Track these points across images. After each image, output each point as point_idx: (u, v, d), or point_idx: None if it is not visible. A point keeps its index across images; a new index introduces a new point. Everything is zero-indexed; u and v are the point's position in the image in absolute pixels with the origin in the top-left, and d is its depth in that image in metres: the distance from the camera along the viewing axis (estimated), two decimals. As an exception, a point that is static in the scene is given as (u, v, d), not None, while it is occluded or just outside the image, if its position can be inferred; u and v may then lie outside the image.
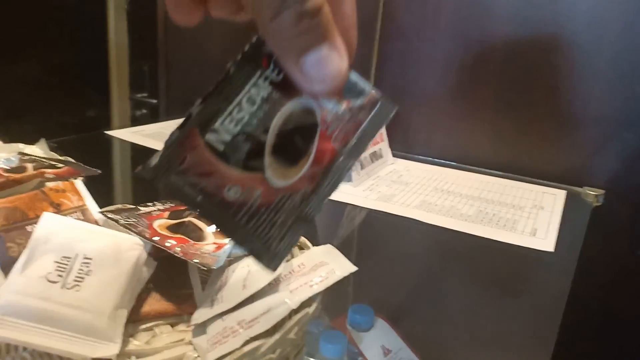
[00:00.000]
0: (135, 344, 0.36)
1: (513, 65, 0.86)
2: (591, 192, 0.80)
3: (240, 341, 0.32)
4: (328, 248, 0.40)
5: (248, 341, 0.32)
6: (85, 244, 0.38)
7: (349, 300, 0.55)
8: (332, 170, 0.25)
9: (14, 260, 0.36)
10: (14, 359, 0.33)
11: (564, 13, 0.80)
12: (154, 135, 0.95)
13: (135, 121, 1.27)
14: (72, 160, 0.54)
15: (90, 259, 0.37)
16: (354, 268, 0.37)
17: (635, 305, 0.82)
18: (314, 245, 0.41)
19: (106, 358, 0.33)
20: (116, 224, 0.42)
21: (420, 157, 0.93)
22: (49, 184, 0.45)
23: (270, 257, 0.24)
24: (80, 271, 0.36)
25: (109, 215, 0.43)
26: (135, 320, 0.38)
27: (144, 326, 0.38)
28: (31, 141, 0.60)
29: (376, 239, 0.73)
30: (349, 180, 0.77)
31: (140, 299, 0.39)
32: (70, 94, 1.16)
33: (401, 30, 0.93)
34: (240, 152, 0.23)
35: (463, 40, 0.89)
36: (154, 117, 1.28)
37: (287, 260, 0.40)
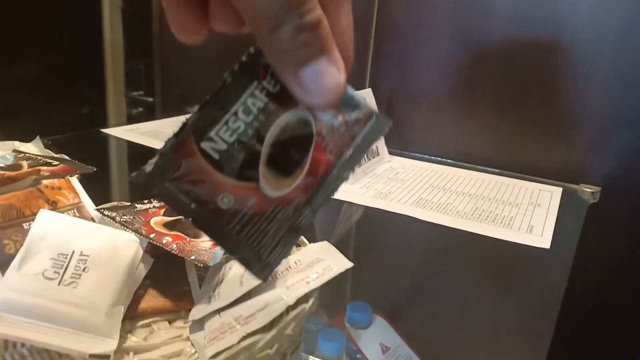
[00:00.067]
0: (133, 340, 0.36)
1: (511, 64, 0.86)
2: (588, 190, 0.80)
3: (237, 337, 0.32)
4: (324, 245, 0.40)
5: (245, 337, 0.32)
6: (81, 241, 0.38)
7: (347, 298, 0.56)
8: (326, 182, 0.26)
9: (10, 257, 0.36)
10: (13, 356, 0.33)
11: (563, 12, 0.80)
12: (149, 133, 0.95)
13: (131, 119, 1.27)
14: (67, 158, 0.54)
15: (86, 256, 0.37)
16: (350, 264, 0.37)
17: (631, 303, 0.82)
18: (310, 242, 0.41)
19: (104, 354, 0.33)
20: (112, 221, 0.42)
21: (416, 154, 0.94)
22: (45, 182, 0.45)
23: (262, 266, 0.25)
24: (77, 268, 0.36)
25: (106, 213, 0.43)
26: (132, 317, 0.38)
27: (141, 323, 0.38)
28: (27, 139, 0.60)
29: (373, 237, 0.73)
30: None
31: (138, 295, 0.39)
32: (65, 93, 1.16)
33: (397, 28, 0.93)
34: (235, 161, 0.23)
35: (460, 38, 0.89)
36: (149, 115, 1.27)
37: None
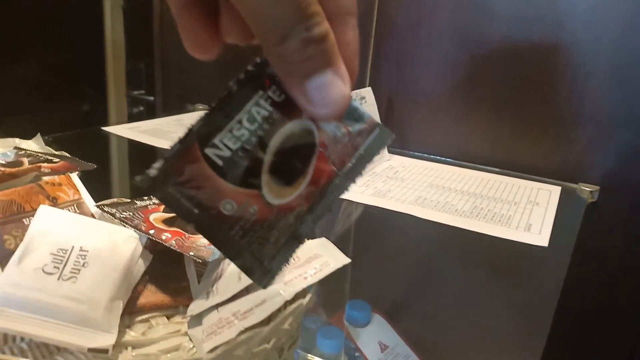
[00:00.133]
0: (131, 334, 0.36)
1: (510, 64, 0.86)
2: (586, 189, 0.80)
3: (235, 332, 0.33)
4: (322, 241, 0.40)
5: (243, 332, 0.32)
6: (81, 236, 0.38)
7: (346, 297, 0.56)
8: (328, 192, 0.26)
9: (10, 252, 0.37)
10: (12, 350, 0.33)
11: (562, 12, 0.80)
12: (149, 131, 0.95)
13: (132, 118, 1.27)
14: (68, 155, 0.55)
15: (86, 251, 0.37)
16: (347, 260, 0.37)
17: (629, 301, 0.83)
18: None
19: (102, 348, 0.33)
20: (112, 217, 0.42)
21: (416, 153, 0.94)
22: (45, 178, 0.45)
23: (263, 273, 0.25)
24: (77, 263, 0.36)
25: (105, 209, 0.43)
26: (131, 312, 0.38)
27: (140, 318, 0.38)
28: (28, 137, 0.60)
29: (372, 235, 0.73)
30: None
31: (137, 291, 0.40)
32: (66, 91, 1.16)
33: (397, 28, 0.94)
34: (238, 168, 0.23)
35: (460, 38, 0.89)
36: (150, 114, 1.28)
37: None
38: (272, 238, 0.25)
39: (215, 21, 0.25)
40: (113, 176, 0.87)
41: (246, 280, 0.36)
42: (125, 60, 1.26)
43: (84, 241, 0.38)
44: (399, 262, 0.67)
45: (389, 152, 0.90)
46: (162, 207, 0.46)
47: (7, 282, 0.34)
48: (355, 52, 0.24)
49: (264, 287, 0.25)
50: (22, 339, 0.34)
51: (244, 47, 0.26)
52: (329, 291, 0.57)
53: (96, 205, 0.44)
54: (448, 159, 0.92)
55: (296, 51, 0.21)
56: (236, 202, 0.24)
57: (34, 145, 0.58)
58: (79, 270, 0.36)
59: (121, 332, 0.36)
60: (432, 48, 0.92)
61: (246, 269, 0.25)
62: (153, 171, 0.22)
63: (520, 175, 0.85)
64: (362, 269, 0.62)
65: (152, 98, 1.29)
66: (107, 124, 0.99)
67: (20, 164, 0.49)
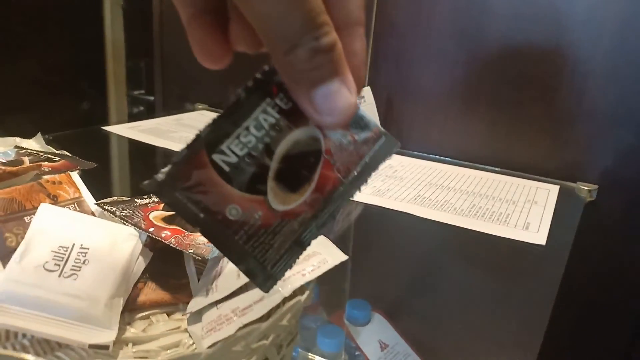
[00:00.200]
0: (131, 331, 0.37)
1: (508, 63, 0.87)
2: (584, 188, 0.80)
3: (234, 328, 0.33)
4: (320, 239, 0.40)
5: (241, 328, 0.33)
6: (81, 234, 0.39)
7: (346, 296, 0.56)
8: (333, 199, 0.26)
9: (12, 250, 0.37)
10: (14, 346, 0.34)
11: (560, 12, 0.81)
12: (149, 131, 0.95)
13: (132, 118, 1.27)
14: (68, 154, 0.55)
15: (86, 249, 0.38)
16: (345, 257, 0.37)
17: (626, 299, 0.83)
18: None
19: (103, 344, 0.33)
20: (112, 215, 0.43)
21: (415, 152, 0.94)
22: (46, 176, 0.46)
23: (265, 278, 0.25)
24: (77, 261, 0.37)
25: (106, 207, 0.43)
26: (131, 309, 0.39)
27: (140, 315, 0.39)
28: (28, 137, 0.60)
29: (372, 234, 0.74)
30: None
31: (137, 288, 0.40)
32: (67, 91, 1.16)
33: (395, 27, 0.94)
34: (244, 174, 0.24)
35: (458, 37, 0.89)
36: (150, 114, 1.28)
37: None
38: (276, 243, 0.25)
39: (225, 30, 0.26)
40: (113, 175, 0.88)
41: (245, 278, 0.37)
42: (125, 60, 1.27)
43: (84, 239, 0.38)
44: (398, 261, 0.67)
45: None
46: (162, 205, 0.46)
47: (9, 279, 0.35)
48: (363, 61, 0.25)
49: (266, 291, 0.26)
50: (24, 336, 0.34)
51: (253, 55, 0.26)
52: (329, 290, 0.57)
53: (96, 204, 0.45)
54: (447, 158, 0.92)
55: (304, 60, 0.22)
56: (241, 207, 0.24)
57: (34, 144, 0.58)
58: (79, 267, 0.36)
59: (121, 329, 0.36)
60: (431, 47, 0.92)
61: (249, 273, 0.25)
62: (161, 176, 0.23)
63: (519, 174, 0.85)
64: (362, 268, 0.63)
65: (152, 98, 1.30)
66: (107, 124, 0.99)
67: (21, 162, 0.49)
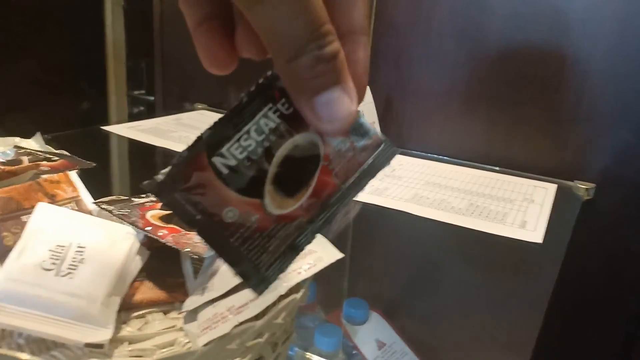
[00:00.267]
0: (128, 330, 0.37)
1: (507, 62, 0.87)
2: (582, 186, 0.81)
3: (229, 326, 0.33)
4: (317, 236, 0.40)
5: (237, 326, 0.33)
6: (79, 233, 0.39)
7: (343, 295, 0.56)
8: (330, 204, 0.26)
9: (9, 249, 0.37)
10: (9, 345, 0.34)
11: (558, 11, 0.81)
12: (149, 131, 0.96)
13: (133, 118, 1.28)
14: (67, 154, 0.55)
15: (84, 248, 0.38)
16: (340, 255, 0.37)
17: (620, 298, 0.83)
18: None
19: (99, 343, 0.33)
20: (110, 214, 0.43)
21: (413, 152, 0.94)
22: (44, 176, 0.46)
23: (259, 280, 0.26)
24: (74, 259, 0.37)
25: (103, 206, 0.44)
26: (128, 308, 0.39)
27: (136, 313, 0.39)
28: (28, 136, 0.60)
29: (370, 233, 0.74)
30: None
31: (133, 287, 0.40)
32: (67, 91, 1.17)
33: (395, 27, 0.94)
34: (242, 177, 0.24)
35: (457, 37, 0.90)
36: (150, 114, 1.28)
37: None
38: (271, 247, 0.25)
39: (231, 37, 0.26)
40: (113, 175, 0.88)
41: (241, 276, 0.37)
42: (125, 60, 1.27)
43: (81, 238, 0.38)
44: (396, 260, 0.67)
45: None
46: (159, 204, 0.46)
47: (6, 277, 0.35)
48: (365, 70, 0.25)
49: (259, 294, 0.26)
50: (20, 334, 0.34)
51: (260, 65, 0.26)
52: (327, 290, 0.57)
53: (94, 203, 0.45)
54: (445, 157, 0.92)
55: (307, 68, 0.22)
56: (238, 210, 0.24)
57: (33, 143, 0.59)
58: (76, 266, 0.37)
59: (117, 328, 0.36)
60: (430, 46, 0.92)
61: (243, 275, 0.25)
62: (160, 176, 0.23)
63: (517, 173, 0.86)
64: (359, 267, 0.63)
65: (152, 98, 1.30)
66: (107, 124, 1.00)
67: (20, 162, 0.50)
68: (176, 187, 0.23)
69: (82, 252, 0.38)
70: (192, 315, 0.37)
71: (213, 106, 1.17)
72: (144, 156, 0.91)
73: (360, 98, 0.25)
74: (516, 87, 0.87)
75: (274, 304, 0.34)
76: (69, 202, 0.44)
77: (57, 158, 0.52)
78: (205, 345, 0.32)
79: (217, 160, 0.24)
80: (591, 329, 0.85)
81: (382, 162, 0.28)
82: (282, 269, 0.26)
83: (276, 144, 0.25)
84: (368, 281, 0.63)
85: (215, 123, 0.24)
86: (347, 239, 0.70)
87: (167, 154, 0.85)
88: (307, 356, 0.47)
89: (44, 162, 0.50)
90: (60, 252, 0.37)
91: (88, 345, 0.33)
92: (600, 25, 0.79)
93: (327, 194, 0.26)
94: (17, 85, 1.03)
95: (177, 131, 0.96)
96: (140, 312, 0.39)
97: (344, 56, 0.23)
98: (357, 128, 0.27)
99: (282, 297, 0.34)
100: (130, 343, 0.36)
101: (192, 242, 0.41)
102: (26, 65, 1.07)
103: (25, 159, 0.51)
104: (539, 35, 0.83)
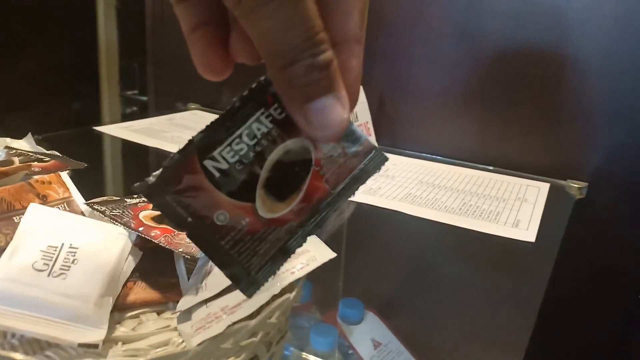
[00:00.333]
0: (121, 330, 0.37)
1: (500, 62, 0.87)
2: (575, 185, 0.81)
3: (223, 326, 0.33)
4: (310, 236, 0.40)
5: (231, 326, 0.33)
6: (71, 233, 0.39)
7: (339, 295, 0.56)
8: (320, 209, 0.27)
9: (1, 250, 0.37)
10: (3, 346, 0.34)
11: (554, 11, 0.81)
12: (142, 131, 0.95)
13: (126, 118, 1.27)
14: (58, 154, 0.55)
15: (76, 248, 0.38)
16: (333, 254, 0.38)
17: (612, 296, 0.84)
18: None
19: (92, 343, 0.33)
20: (102, 215, 0.43)
21: (406, 151, 0.95)
22: (36, 177, 0.46)
23: (249, 283, 0.26)
24: (67, 260, 0.37)
25: (95, 207, 0.43)
26: (121, 308, 0.39)
27: (130, 314, 0.39)
28: (19, 137, 0.60)
29: (364, 233, 0.74)
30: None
31: (127, 288, 0.40)
32: (60, 92, 1.16)
33: (389, 26, 0.94)
34: (234, 181, 0.24)
35: (451, 36, 0.90)
36: (143, 114, 1.28)
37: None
38: (262, 250, 0.25)
39: (225, 42, 0.26)
40: (106, 175, 0.88)
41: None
42: (118, 60, 1.26)
43: (73, 238, 0.38)
44: (390, 260, 0.67)
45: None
46: (152, 205, 0.46)
47: (-2, 279, 0.35)
48: (357, 78, 0.25)
49: (249, 296, 0.26)
50: (13, 335, 0.34)
51: (253, 66, 0.26)
52: (322, 290, 0.57)
53: (86, 203, 0.45)
54: (438, 157, 0.93)
55: (301, 76, 0.22)
56: (229, 213, 0.24)
57: (24, 144, 0.58)
58: (68, 267, 0.37)
59: (111, 328, 0.36)
60: (425, 46, 0.93)
61: (233, 278, 0.25)
62: (151, 179, 0.23)
63: (510, 172, 0.86)
64: (354, 267, 0.63)
65: (145, 98, 1.30)
66: (100, 124, 0.99)
67: (11, 162, 0.49)
68: (167, 189, 0.23)
69: (74, 252, 0.38)
70: (185, 315, 0.37)
71: (206, 106, 1.17)
72: (136, 156, 0.90)
73: (353, 105, 0.25)
74: (510, 87, 0.87)
75: (268, 303, 0.34)
76: (61, 203, 0.44)
77: (48, 159, 0.52)
78: (199, 344, 0.32)
79: (208, 163, 0.24)
80: (584, 327, 0.86)
81: (372, 168, 0.28)
82: (272, 271, 0.26)
83: (268, 148, 0.25)
84: (363, 281, 0.63)
85: (207, 126, 0.24)
86: (341, 239, 0.70)
87: (160, 154, 0.85)
88: (303, 356, 0.47)
89: (35, 163, 0.50)
90: (52, 253, 0.37)
91: (82, 345, 0.33)
92: (594, 25, 0.79)
93: (318, 199, 0.26)
94: (8, 86, 1.03)
95: (170, 131, 0.96)
96: (134, 313, 0.39)
97: (337, 64, 0.23)
98: (348, 134, 0.27)
99: (275, 297, 0.34)
100: (124, 343, 0.36)
101: (185, 242, 0.41)
102: (18, 65, 1.06)
103: (16, 159, 0.51)
104: (534, 36, 0.84)
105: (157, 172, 0.23)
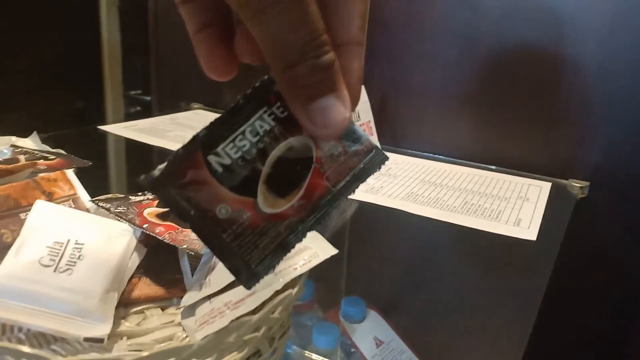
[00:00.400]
0: (126, 325, 0.37)
1: (500, 61, 0.87)
2: (576, 184, 0.81)
3: (226, 321, 0.33)
4: (312, 233, 0.41)
5: (234, 320, 0.33)
6: (76, 230, 0.39)
7: (341, 294, 0.57)
8: (320, 206, 0.27)
9: (7, 246, 0.37)
10: (10, 340, 0.34)
11: (549, 9, 0.81)
12: (145, 130, 0.96)
13: (129, 118, 1.28)
14: (64, 152, 0.56)
15: (81, 244, 0.38)
16: (335, 251, 0.38)
17: (614, 295, 0.84)
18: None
19: (98, 338, 0.34)
20: (107, 212, 0.43)
21: (408, 151, 0.95)
22: (41, 174, 0.46)
23: (249, 276, 0.26)
24: (72, 256, 0.37)
25: (100, 204, 0.44)
26: (126, 303, 0.39)
27: (135, 309, 0.39)
28: (24, 136, 0.61)
29: (366, 231, 0.74)
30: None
31: (132, 283, 0.41)
32: (64, 91, 1.17)
33: (388, 26, 0.94)
34: (236, 176, 0.25)
35: (449, 36, 0.90)
36: (146, 113, 1.28)
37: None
38: (262, 244, 0.26)
39: (230, 43, 0.27)
40: (110, 174, 0.88)
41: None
42: (121, 60, 1.27)
43: (79, 235, 0.39)
44: (393, 258, 0.68)
45: (382, 149, 0.91)
46: (156, 202, 0.47)
47: (5, 274, 0.35)
48: (359, 79, 0.26)
49: (248, 288, 0.27)
50: (20, 329, 0.35)
51: (256, 66, 0.27)
52: (325, 288, 0.58)
53: (91, 200, 0.45)
54: (440, 156, 0.93)
55: (304, 76, 0.23)
56: (231, 207, 0.25)
57: (30, 143, 0.59)
58: (74, 262, 0.37)
59: (116, 323, 0.37)
60: (425, 46, 0.93)
61: (234, 270, 0.26)
62: (156, 172, 0.24)
63: (511, 171, 0.86)
64: (357, 265, 0.63)
65: (148, 98, 1.30)
66: (104, 123, 1.00)
67: (17, 161, 0.50)
68: (171, 183, 0.24)
69: (80, 248, 0.38)
70: (189, 310, 0.37)
71: (209, 105, 1.17)
72: (140, 155, 0.91)
73: (354, 105, 0.25)
74: (509, 85, 0.87)
75: (270, 298, 0.34)
76: (66, 200, 0.44)
77: (53, 157, 0.53)
78: (203, 339, 0.32)
79: (212, 158, 0.24)
80: (585, 324, 0.86)
81: (372, 167, 0.28)
82: (272, 265, 0.27)
83: (270, 145, 0.25)
84: (365, 279, 0.63)
85: (212, 123, 0.25)
86: (344, 237, 0.70)
87: (163, 153, 0.85)
88: (306, 354, 0.47)
89: (41, 161, 0.50)
90: (58, 249, 0.37)
91: (87, 339, 0.33)
92: (589, 23, 0.79)
93: (318, 196, 0.27)
94: (13, 85, 1.03)
95: (173, 130, 0.96)
96: (139, 308, 0.39)
97: (339, 65, 0.24)
98: (349, 134, 0.28)
99: (278, 292, 0.34)
100: (129, 338, 0.36)
101: (189, 239, 0.42)
102: (22, 65, 1.07)
103: (22, 157, 0.51)
104: (532, 34, 0.84)
105: (162, 166, 0.24)
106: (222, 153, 0.24)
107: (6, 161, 0.50)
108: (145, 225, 0.42)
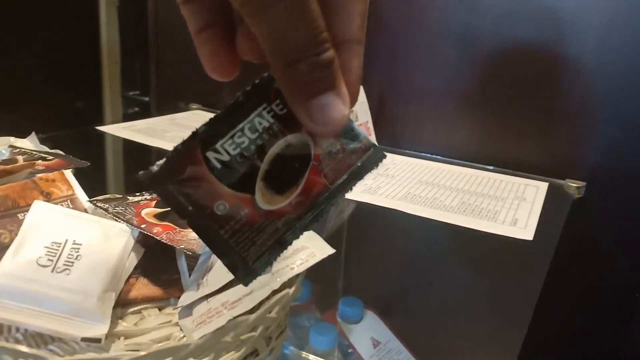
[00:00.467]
0: (123, 325, 0.38)
1: (498, 61, 0.87)
2: (573, 185, 0.81)
3: (224, 321, 0.34)
4: (308, 233, 0.41)
5: (231, 320, 0.33)
6: (74, 230, 0.40)
7: (339, 294, 0.57)
8: (318, 203, 0.27)
9: (5, 246, 0.38)
10: (7, 340, 0.34)
11: (548, 8, 0.81)
12: (144, 131, 0.96)
13: (127, 118, 1.28)
14: (62, 153, 0.56)
15: (79, 244, 0.39)
16: (332, 250, 0.38)
17: (610, 295, 0.84)
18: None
19: (95, 338, 0.34)
20: (105, 212, 0.43)
21: (406, 151, 0.95)
22: (39, 175, 0.46)
23: (246, 272, 0.26)
24: (70, 256, 0.38)
25: (98, 204, 0.44)
26: (124, 304, 0.40)
27: (132, 309, 0.39)
28: (22, 137, 0.61)
29: (364, 232, 0.74)
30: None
31: (129, 283, 0.41)
32: (62, 91, 1.17)
33: (387, 26, 0.95)
34: (234, 173, 0.25)
35: (448, 36, 0.90)
36: (145, 114, 1.28)
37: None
38: (259, 241, 0.26)
39: (232, 43, 0.27)
40: (108, 174, 0.88)
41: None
42: (120, 60, 1.27)
43: (77, 235, 0.39)
44: (390, 259, 0.68)
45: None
46: (154, 202, 0.47)
47: (3, 274, 0.35)
48: (358, 77, 0.26)
49: (245, 285, 0.27)
50: (17, 329, 0.35)
51: (255, 66, 0.27)
52: (322, 289, 0.58)
53: (89, 201, 0.45)
54: (437, 156, 0.93)
55: (304, 73, 0.23)
56: (229, 204, 0.25)
57: (28, 143, 0.59)
58: (72, 262, 0.37)
59: (114, 323, 0.37)
60: (422, 46, 0.93)
61: (231, 267, 0.26)
62: (155, 168, 0.24)
63: (508, 171, 0.86)
64: (354, 266, 0.63)
65: (146, 99, 1.30)
66: (102, 124, 1.00)
67: (15, 161, 0.50)
68: (170, 178, 0.24)
69: (77, 249, 0.38)
70: (187, 310, 0.38)
71: (207, 106, 1.17)
72: (138, 156, 0.91)
73: (353, 103, 0.26)
74: (507, 85, 0.87)
75: (268, 298, 0.34)
76: (65, 200, 0.44)
77: (52, 157, 0.53)
78: (200, 338, 0.32)
79: (210, 155, 0.24)
80: (581, 325, 0.86)
81: (370, 165, 0.29)
82: (269, 262, 0.27)
83: (269, 142, 0.25)
84: (363, 280, 0.64)
85: (211, 120, 0.25)
86: (341, 237, 0.70)
87: (161, 153, 0.85)
88: (303, 355, 0.47)
89: (39, 161, 0.51)
90: (56, 249, 0.38)
91: (85, 339, 0.33)
92: (588, 23, 0.80)
93: (316, 193, 0.27)
94: (11, 85, 1.04)
95: (171, 131, 0.97)
96: (136, 308, 0.39)
97: (338, 63, 0.24)
98: (348, 131, 0.28)
99: (275, 292, 0.35)
100: (126, 338, 0.36)
101: (187, 239, 0.42)
102: (20, 65, 1.07)
103: (20, 158, 0.52)
104: (529, 35, 0.84)
105: (161, 162, 0.24)
106: (221, 149, 0.25)
107: (4, 162, 0.50)
108: (142, 226, 0.42)
